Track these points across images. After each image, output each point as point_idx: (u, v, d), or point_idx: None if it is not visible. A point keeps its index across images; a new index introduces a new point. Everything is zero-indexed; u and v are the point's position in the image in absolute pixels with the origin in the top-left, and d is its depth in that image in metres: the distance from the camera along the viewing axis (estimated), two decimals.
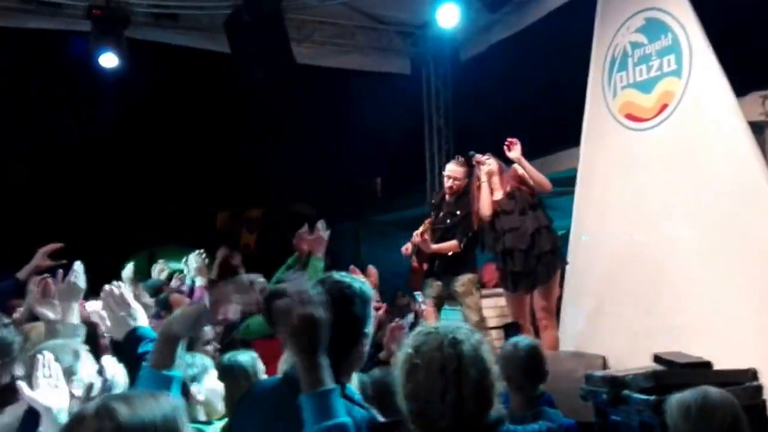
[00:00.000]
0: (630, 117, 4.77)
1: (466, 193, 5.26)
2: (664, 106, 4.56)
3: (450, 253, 5.24)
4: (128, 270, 4.42)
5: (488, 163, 4.88)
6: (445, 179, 5.34)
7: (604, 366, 4.21)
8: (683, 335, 4.03)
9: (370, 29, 8.23)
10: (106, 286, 2.14)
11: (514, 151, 4.78)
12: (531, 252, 4.62)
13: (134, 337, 2.08)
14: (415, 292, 7.11)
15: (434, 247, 5.26)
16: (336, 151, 17.25)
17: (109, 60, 6.62)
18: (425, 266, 5.34)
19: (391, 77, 8.92)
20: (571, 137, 5.63)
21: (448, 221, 5.31)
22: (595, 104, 5.07)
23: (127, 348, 2.09)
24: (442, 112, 8.81)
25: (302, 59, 7.17)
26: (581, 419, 3.50)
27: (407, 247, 5.37)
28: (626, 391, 3.40)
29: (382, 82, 9.54)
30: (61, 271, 3.49)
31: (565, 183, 5.80)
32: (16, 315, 3.94)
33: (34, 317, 3.37)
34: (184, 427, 1.25)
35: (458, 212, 5.28)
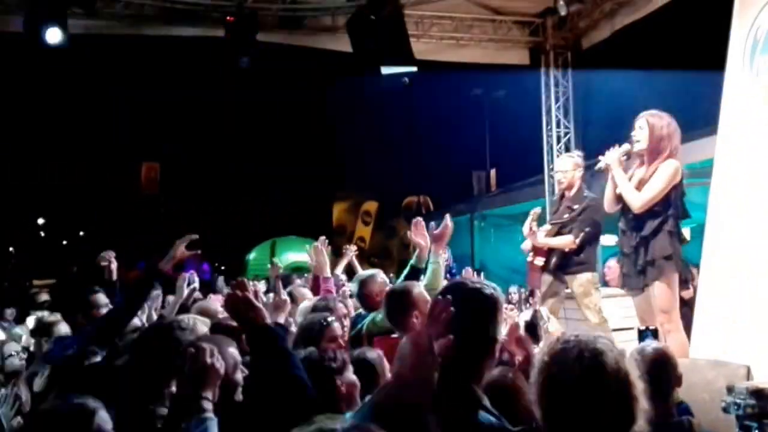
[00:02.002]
0: None
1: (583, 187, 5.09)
2: None
3: (567, 249, 5.06)
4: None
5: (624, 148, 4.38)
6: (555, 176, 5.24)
7: (748, 377, 3.89)
8: None
9: (488, 21, 8.18)
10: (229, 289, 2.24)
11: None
12: (636, 257, 4.34)
13: (258, 334, 2.14)
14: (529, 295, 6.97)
15: (543, 240, 5.09)
16: (450, 142, 17.25)
17: (243, 63, 7.05)
18: (543, 263, 5.16)
19: (508, 68, 8.79)
20: (707, 126, 5.23)
21: (566, 216, 5.13)
22: (734, 90, 4.67)
23: (252, 345, 2.16)
24: (561, 103, 8.56)
25: (421, 55, 7.26)
26: None
27: (527, 248, 5.26)
28: None
29: (498, 72, 9.41)
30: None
31: (699, 174, 5.41)
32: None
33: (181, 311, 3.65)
34: None
35: (576, 206, 5.09)
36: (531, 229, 5.13)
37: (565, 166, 5.24)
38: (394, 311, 3.18)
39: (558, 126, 8.57)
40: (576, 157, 5.31)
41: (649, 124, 4.35)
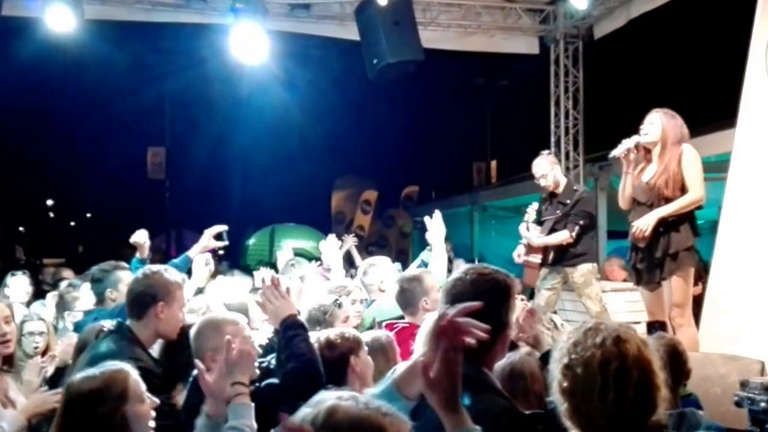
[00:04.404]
0: None
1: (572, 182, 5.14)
2: None
3: (564, 243, 5.13)
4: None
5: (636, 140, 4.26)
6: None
7: (762, 372, 3.85)
8: None
9: (496, 8, 8.06)
10: (265, 277, 2.31)
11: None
12: (651, 252, 4.29)
13: (287, 324, 2.25)
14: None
15: (539, 241, 5.16)
16: (451, 132, 17.20)
17: (249, 50, 6.88)
18: (540, 259, 5.21)
19: (516, 57, 8.67)
20: (724, 119, 5.14)
21: (558, 212, 5.19)
22: (756, 83, 4.58)
23: (281, 334, 2.25)
24: (571, 94, 8.45)
25: (427, 43, 7.14)
26: (731, 426, 3.26)
27: (519, 253, 5.28)
28: None
29: (505, 61, 9.30)
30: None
31: (713, 168, 5.33)
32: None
33: None
34: None
35: (568, 201, 5.17)
36: (528, 229, 5.20)
37: (543, 169, 5.23)
38: (406, 297, 3.31)
39: (567, 117, 8.47)
40: (547, 155, 5.35)
41: (662, 122, 4.24)
